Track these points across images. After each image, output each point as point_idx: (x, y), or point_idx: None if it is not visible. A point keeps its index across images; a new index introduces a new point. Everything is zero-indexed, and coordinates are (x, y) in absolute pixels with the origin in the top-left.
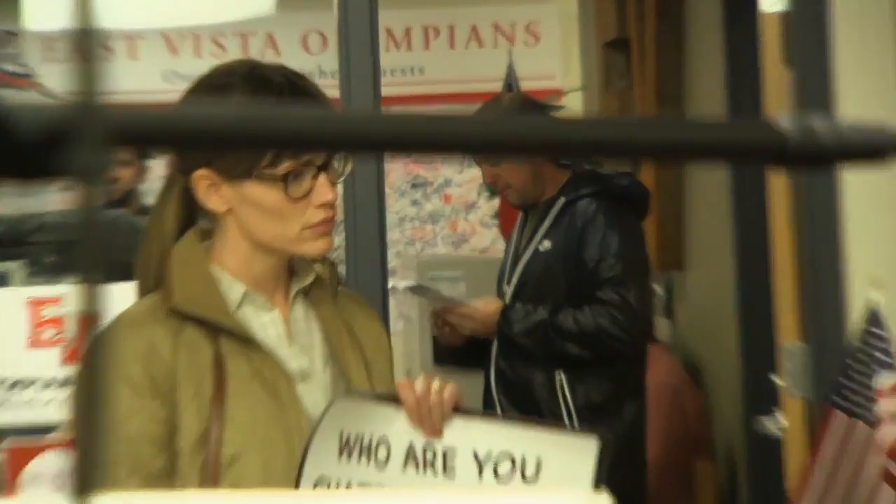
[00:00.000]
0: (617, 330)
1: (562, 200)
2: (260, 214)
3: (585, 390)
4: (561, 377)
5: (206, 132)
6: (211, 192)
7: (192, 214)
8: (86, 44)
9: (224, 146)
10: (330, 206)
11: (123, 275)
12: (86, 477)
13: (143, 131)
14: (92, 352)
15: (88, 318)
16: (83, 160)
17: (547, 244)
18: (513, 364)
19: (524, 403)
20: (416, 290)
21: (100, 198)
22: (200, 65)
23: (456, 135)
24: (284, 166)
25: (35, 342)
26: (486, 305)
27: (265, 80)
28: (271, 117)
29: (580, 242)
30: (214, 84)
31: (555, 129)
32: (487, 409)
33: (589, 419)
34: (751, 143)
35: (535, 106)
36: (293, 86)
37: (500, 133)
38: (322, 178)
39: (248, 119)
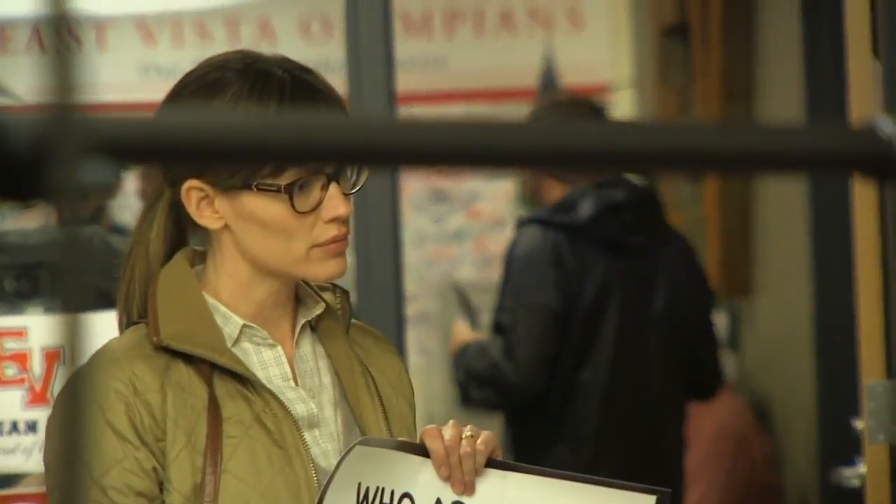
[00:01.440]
0: (492, 372)
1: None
2: (261, 231)
3: (529, 449)
4: (509, 434)
5: (203, 143)
6: (203, 206)
7: (181, 233)
8: (59, 36)
9: (225, 159)
10: (343, 221)
11: (101, 303)
12: None
13: (133, 144)
14: (67, 393)
15: (61, 353)
16: (66, 179)
17: None
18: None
19: None
20: (460, 294)
21: (80, 219)
22: (181, 57)
23: (492, 145)
24: (289, 175)
25: None
26: (460, 333)
27: (265, 74)
28: (273, 126)
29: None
30: (205, 80)
31: (602, 136)
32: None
33: None
34: (845, 152)
35: (583, 109)
36: (298, 82)
37: (531, 144)
38: (333, 190)
39: (249, 129)
